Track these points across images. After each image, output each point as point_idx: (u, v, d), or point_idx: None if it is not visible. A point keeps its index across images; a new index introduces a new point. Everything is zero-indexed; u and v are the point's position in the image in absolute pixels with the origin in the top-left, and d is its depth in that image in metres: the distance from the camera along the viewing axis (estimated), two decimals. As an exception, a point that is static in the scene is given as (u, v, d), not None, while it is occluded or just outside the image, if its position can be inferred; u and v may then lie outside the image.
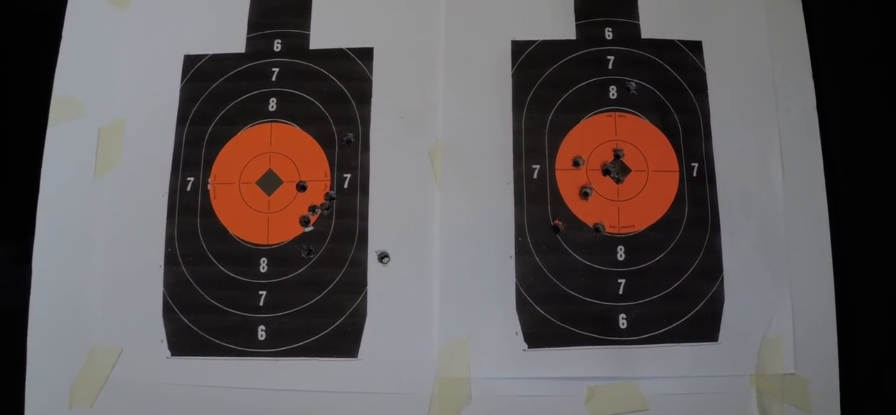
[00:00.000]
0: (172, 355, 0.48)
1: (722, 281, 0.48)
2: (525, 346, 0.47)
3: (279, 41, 0.52)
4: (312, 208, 0.50)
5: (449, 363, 0.47)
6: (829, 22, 0.52)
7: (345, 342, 0.48)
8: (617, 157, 0.50)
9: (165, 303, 0.49)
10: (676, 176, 0.49)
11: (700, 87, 0.50)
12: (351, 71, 0.51)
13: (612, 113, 0.50)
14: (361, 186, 0.50)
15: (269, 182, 0.50)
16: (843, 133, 0.50)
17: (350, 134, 0.50)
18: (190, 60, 0.52)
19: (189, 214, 0.50)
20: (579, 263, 0.48)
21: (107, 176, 0.50)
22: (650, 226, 0.49)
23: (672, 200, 0.49)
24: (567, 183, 0.49)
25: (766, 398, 0.47)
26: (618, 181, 0.49)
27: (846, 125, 0.50)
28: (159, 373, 0.48)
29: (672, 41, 0.51)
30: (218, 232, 0.50)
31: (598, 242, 0.49)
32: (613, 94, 0.50)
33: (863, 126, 0.51)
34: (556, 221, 0.49)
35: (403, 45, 0.51)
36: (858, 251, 0.49)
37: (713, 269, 0.48)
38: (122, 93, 0.51)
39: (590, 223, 0.49)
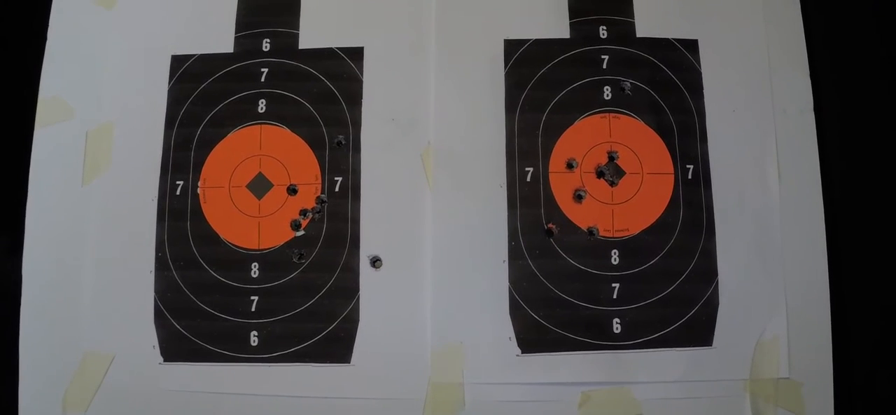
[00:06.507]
0: (165, 360, 0.48)
1: (716, 285, 0.48)
2: (519, 351, 0.47)
3: (268, 41, 0.51)
4: (303, 212, 0.49)
5: (442, 369, 0.47)
6: (827, 22, 0.51)
7: (338, 348, 0.48)
8: (611, 159, 0.49)
9: (157, 308, 0.48)
10: (671, 178, 0.49)
11: (696, 87, 0.50)
12: (341, 71, 0.50)
13: (607, 114, 0.49)
14: (353, 189, 0.49)
15: (260, 185, 0.49)
16: (840, 135, 0.49)
17: (341, 136, 0.50)
18: (177, 61, 0.51)
19: (179, 218, 0.49)
20: (573, 267, 0.48)
21: (96, 181, 0.50)
22: (644, 229, 0.48)
23: (667, 203, 0.48)
24: (561, 186, 0.49)
25: (760, 403, 0.47)
26: (612, 184, 0.49)
27: (843, 127, 0.50)
28: (152, 379, 0.48)
29: (667, 40, 0.50)
30: (208, 237, 0.49)
31: (592, 245, 0.48)
32: (608, 95, 0.50)
33: (860, 128, 0.50)
34: (550, 225, 0.48)
35: (394, 44, 0.50)
36: (854, 255, 0.49)
37: (708, 273, 0.48)
38: (109, 95, 0.51)
39: (584, 227, 0.48)
